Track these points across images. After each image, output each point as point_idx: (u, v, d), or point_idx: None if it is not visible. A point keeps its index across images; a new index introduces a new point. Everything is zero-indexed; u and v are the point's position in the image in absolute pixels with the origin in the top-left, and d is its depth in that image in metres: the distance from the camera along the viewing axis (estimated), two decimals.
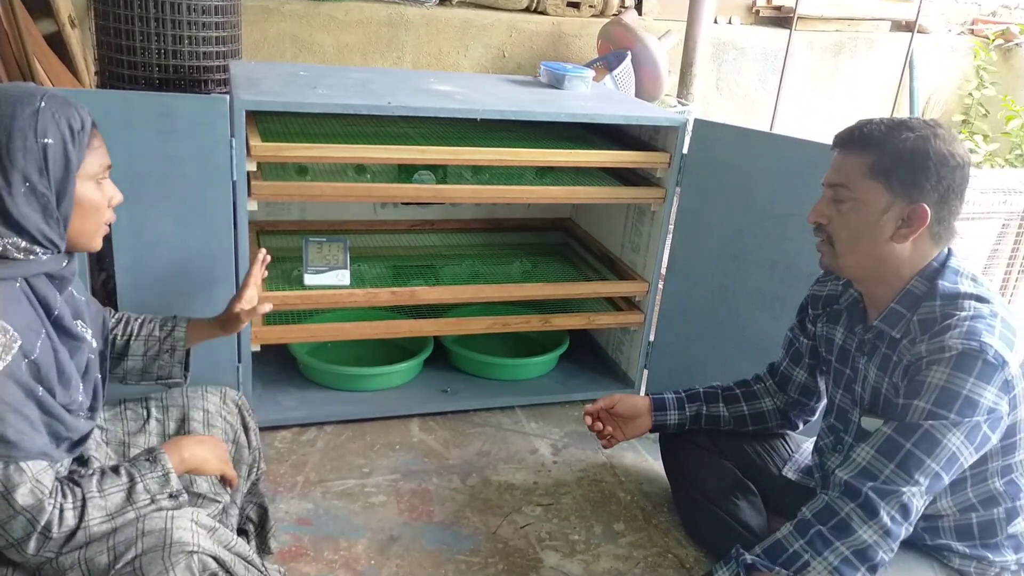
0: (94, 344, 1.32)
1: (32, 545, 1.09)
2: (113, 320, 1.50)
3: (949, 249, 1.40)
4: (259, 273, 1.65)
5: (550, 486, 2.02)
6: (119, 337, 1.50)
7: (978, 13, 5.90)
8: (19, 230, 1.11)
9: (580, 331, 2.69)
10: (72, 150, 1.13)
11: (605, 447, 1.92)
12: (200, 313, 1.88)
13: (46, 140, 1.11)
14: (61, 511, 1.11)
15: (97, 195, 1.20)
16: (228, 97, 1.77)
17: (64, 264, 1.20)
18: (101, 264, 2.22)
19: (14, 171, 1.09)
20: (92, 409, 1.30)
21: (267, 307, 1.62)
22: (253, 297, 1.61)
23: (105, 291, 2.32)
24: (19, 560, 1.12)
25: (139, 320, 1.53)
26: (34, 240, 1.12)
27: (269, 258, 1.68)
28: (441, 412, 2.29)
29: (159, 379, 1.53)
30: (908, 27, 5.13)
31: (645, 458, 2.17)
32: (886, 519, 1.27)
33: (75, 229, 1.18)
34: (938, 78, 5.54)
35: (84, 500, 1.13)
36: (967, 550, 1.43)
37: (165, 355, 1.51)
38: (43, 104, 1.11)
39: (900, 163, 1.32)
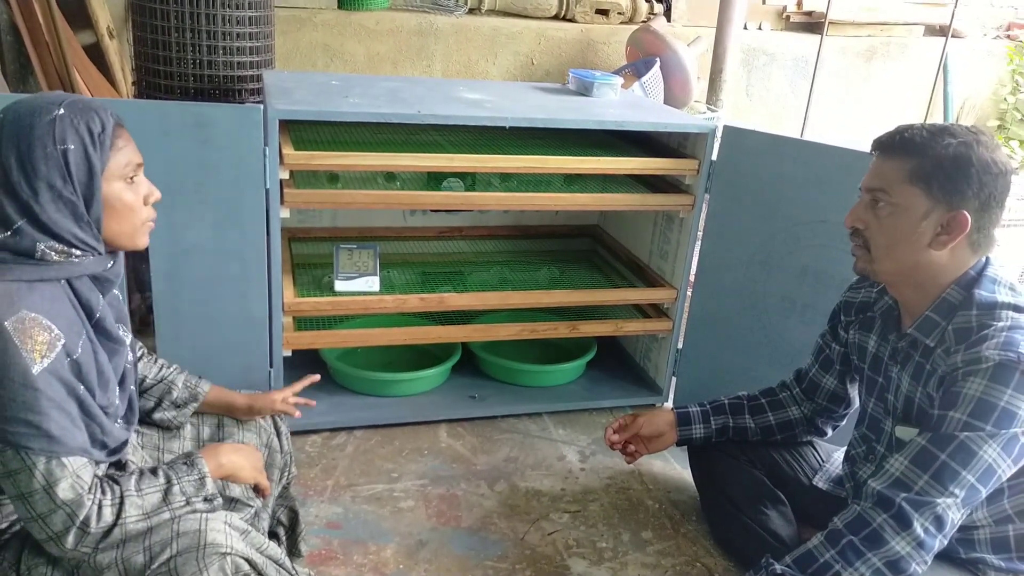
0: (129, 356, 1.35)
1: (71, 539, 1.12)
2: (138, 351, 1.49)
3: (987, 257, 1.37)
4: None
5: (578, 493, 2.02)
6: (147, 379, 1.49)
7: (1014, 17, 5.80)
8: (52, 235, 1.13)
9: (608, 338, 2.69)
10: (94, 153, 1.14)
11: (629, 463, 1.93)
12: (233, 318, 1.91)
13: (66, 146, 1.12)
14: (100, 507, 1.13)
15: (129, 194, 1.20)
16: (261, 106, 1.80)
17: (108, 266, 1.22)
18: (140, 285, 2.24)
19: (38, 180, 1.11)
20: (128, 420, 1.33)
21: (296, 413, 1.66)
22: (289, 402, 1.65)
23: (140, 314, 2.36)
24: (57, 554, 1.14)
25: (168, 368, 1.52)
26: (70, 244, 1.15)
27: (317, 377, 1.74)
28: (469, 418, 2.30)
29: (153, 423, 1.51)
30: (942, 32, 5.06)
31: (673, 466, 2.16)
32: (919, 531, 1.26)
33: (112, 230, 1.20)
34: (973, 83, 5.45)
35: (122, 498, 1.16)
36: (1003, 564, 1.40)
37: (175, 409, 1.50)
38: (61, 111, 1.13)
39: (941, 169, 1.30)
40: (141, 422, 1.45)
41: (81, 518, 1.11)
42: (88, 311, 1.20)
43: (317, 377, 1.72)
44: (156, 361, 1.52)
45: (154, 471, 1.22)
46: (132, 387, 1.35)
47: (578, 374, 2.55)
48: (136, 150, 1.22)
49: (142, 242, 1.26)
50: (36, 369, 1.07)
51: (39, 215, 1.11)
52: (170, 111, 1.75)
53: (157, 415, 1.49)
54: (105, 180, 1.17)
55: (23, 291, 1.10)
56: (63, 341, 1.12)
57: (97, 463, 1.21)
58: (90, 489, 1.13)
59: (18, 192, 1.10)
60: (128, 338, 1.32)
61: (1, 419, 1.07)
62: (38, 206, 1.11)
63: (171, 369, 1.52)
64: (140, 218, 1.24)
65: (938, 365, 1.36)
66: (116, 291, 1.30)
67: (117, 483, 1.17)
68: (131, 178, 1.21)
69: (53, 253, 1.14)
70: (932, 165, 1.31)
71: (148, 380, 1.49)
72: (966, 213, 1.30)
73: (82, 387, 1.15)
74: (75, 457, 1.12)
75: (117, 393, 1.27)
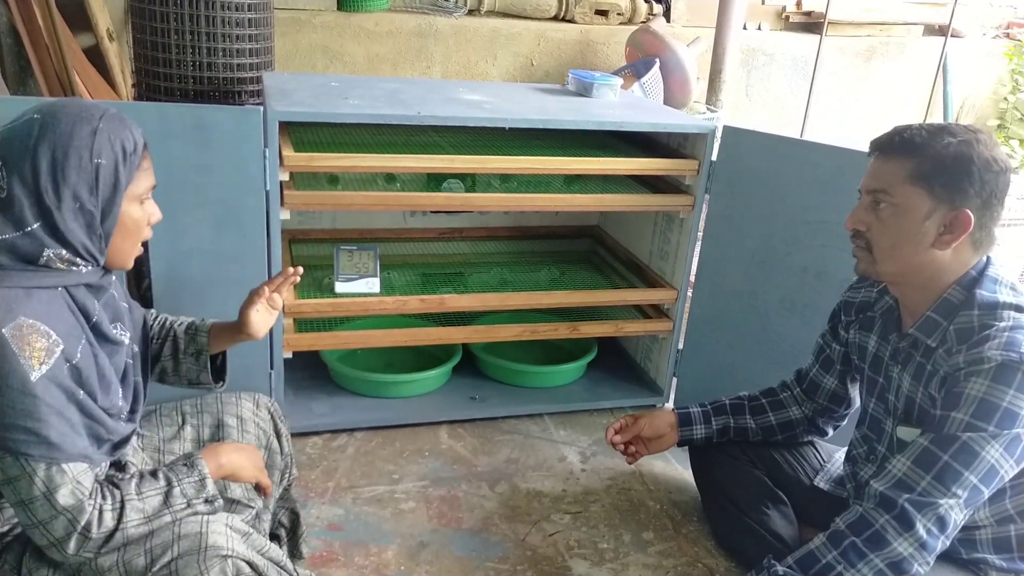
0: (134, 348, 1.35)
1: (72, 545, 1.12)
2: (152, 321, 1.53)
3: (988, 257, 1.37)
4: (282, 284, 1.54)
5: (579, 494, 2.02)
6: (154, 340, 1.52)
7: (1013, 16, 5.80)
8: (64, 243, 1.13)
9: (609, 339, 2.69)
10: (122, 171, 1.16)
11: (630, 463, 1.93)
12: (233, 320, 1.90)
13: (99, 160, 1.13)
14: (100, 512, 1.13)
15: (140, 214, 1.22)
16: (261, 108, 1.80)
17: (102, 276, 1.22)
18: (141, 271, 2.25)
19: (66, 188, 1.11)
20: (132, 411, 1.33)
21: (277, 304, 1.52)
22: (271, 302, 1.52)
23: (143, 297, 2.36)
24: (59, 559, 1.14)
25: (171, 322, 1.54)
26: (76, 253, 1.15)
27: (297, 278, 1.56)
28: (470, 419, 2.30)
29: (190, 383, 1.54)
30: (941, 31, 5.06)
31: (675, 467, 2.16)
32: (922, 532, 1.25)
33: (115, 246, 1.20)
34: (972, 82, 5.45)
35: (123, 502, 1.16)
36: (1004, 564, 1.40)
37: (190, 358, 1.51)
38: (101, 125, 1.14)
39: (943, 168, 1.30)
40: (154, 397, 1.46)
41: (82, 524, 1.11)
42: (86, 315, 1.20)
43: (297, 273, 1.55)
44: (157, 318, 1.54)
45: (154, 473, 1.22)
46: (137, 378, 1.35)
47: (579, 375, 2.55)
48: (153, 173, 1.24)
49: (129, 263, 1.26)
50: (34, 376, 1.07)
51: (57, 222, 1.12)
52: (170, 113, 1.75)
53: (184, 367, 1.51)
54: (124, 198, 1.18)
55: (21, 297, 1.10)
56: (62, 347, 1.11)
57: (99, 465, 1.21)
58: (91, 495, 1.13)
59: (43, 196, 1.11)
60: (126, 337, 1.31)
61: (0, 426, 1.07)
62: (59, 213, 1.11)
63: (170, 325, 1.53)
64: (142, 238, 1.25)
65: (939, 365, 1.36)
66: (112, 290, 1.30)
67: (117, 487, 1.17)
68: (144, 199, 1.23)
69: (58, 261, 1.14)
70: (933, 165, 1.30)
71: (154, 344, 1.51)
72: (969, 212, 1.30)
73: (82, 392, 1.15)
74: (75, 463, 1.12)
75: (120, 394, 1.27)
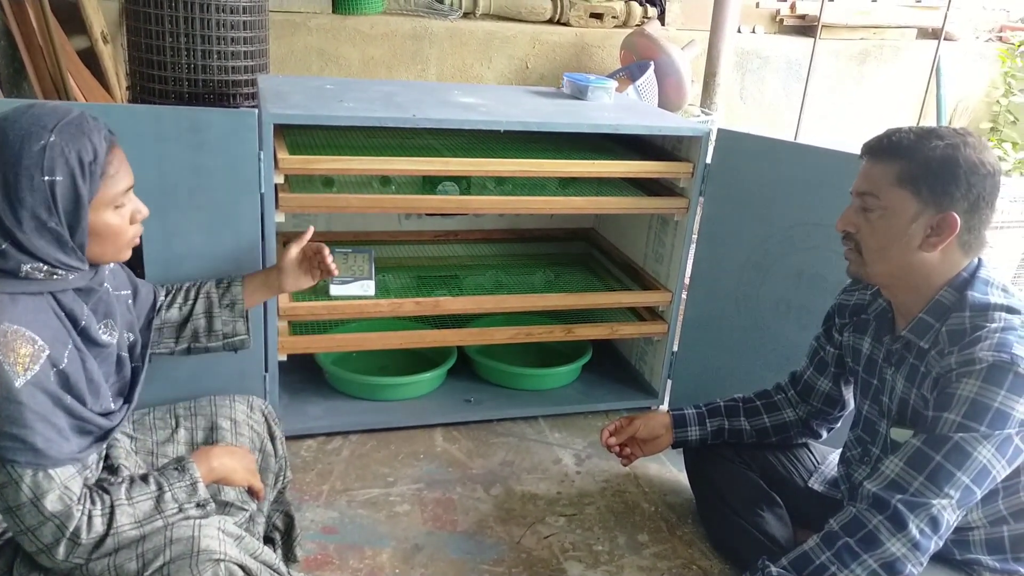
0: (128, 338, 1.35)
1: (61, 551, 1.11)
2: (165, 295, 1.55)
3: (979, 259, 1.38)
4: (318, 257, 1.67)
5: (573, 496, 2.02)
6: (180, 308, 1.54)
7: (1006, 20, 5.83)
8: (37, 258, 1.12)
9: (603, 341, 2.69)
10: (82, 184, 1.11)
11: (624, 465, 1.93)
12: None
13: (54, 178, 1.09)
14: (90, 517, 1.13)
15: (115, 219, 1.18)
16: (256, 111, 1.80)
17: (91, 278, 1.21)
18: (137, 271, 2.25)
19: (23, 209, 1.08)
20: (127, 402, 1.32)
21: (330, 268, 1.66)
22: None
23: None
24: (49, 565, 1.14)
25: (197, 283, 1.59)
26: (54, 266, 1.13)
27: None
28: (465, 422, 2.30)
29: (225, 338, 1.59)
30: (935, 34, 5.08)
31: (669, 469, 2.16)
32: (915, 532, 1.26)
33: (95, 252, 1.18)
34: (966, 85, 5.48)
35: (113, 507, 1.15)
36: (998, 565, 1.41)
37: (226, 311, 1.56)
38: (52, 139, 1.09)
39: (929, 171, 1.31)
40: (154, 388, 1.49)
41: (71, 529, 1.11)
42: (73, 321, 1.19)
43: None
44: (179, 287, 1.59)
45: (144, 478, 1.22)
46: (135, 364, 1.36)
47: (573, 377, 2.55)
48: (128, 172, 1.20)
49: (124, 256, 1.25)
50: (19, 383, 1.06)
51: (23, 242, 1.10)
52: (164, 116, 1.74)
53: (219, 322, 1.58)
54: (93, 209, 1.14)
55: (5, 304, 1.09)
56: (48, 352, 1.10)
57: (88, 467, 1.20)
58: (79, 500, 1.12)
59: (2, 219, 1.09)
60: (115, 337, 1.30)
61: None
62: (22, 235, 1.09)
63: (198, 286, 1.59)
64: (125, 239, 1.22)
65: (932, 367, 1.36)
66: (107, 284, 1.29)
67: (107, 492, 1.17)
68: (119, 203, 1.19)
69: (38, 273, 1.13)
70: (920, 167, 1.31)
71: (185, 307, 1.56)
72: (955, 215, 1.31)
73: (69, 397, 1.14)
74: (63, 468, 1.12)
75: (110, 397, 1.27)
